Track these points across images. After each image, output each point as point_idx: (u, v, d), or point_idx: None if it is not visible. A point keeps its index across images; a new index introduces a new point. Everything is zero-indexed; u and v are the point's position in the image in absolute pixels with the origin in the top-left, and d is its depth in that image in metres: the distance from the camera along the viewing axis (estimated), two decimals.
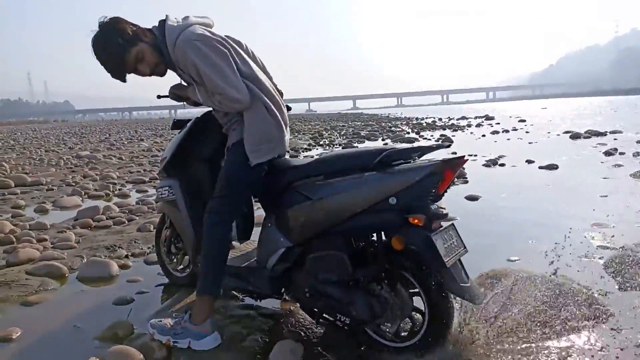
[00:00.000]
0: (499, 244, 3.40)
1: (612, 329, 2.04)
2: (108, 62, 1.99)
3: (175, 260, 2.83)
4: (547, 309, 2.05)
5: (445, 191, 1.92)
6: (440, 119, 26.21)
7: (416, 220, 1.76)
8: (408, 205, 1.79)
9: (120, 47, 1.95)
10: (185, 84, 2.16)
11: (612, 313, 2.15)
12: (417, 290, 1.88)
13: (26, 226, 4.30)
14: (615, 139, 10.60)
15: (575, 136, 11.78)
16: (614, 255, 2.87)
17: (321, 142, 13.61)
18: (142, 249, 3.56)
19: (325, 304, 1.98)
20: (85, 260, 3.30)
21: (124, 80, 2.07)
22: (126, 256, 3.41)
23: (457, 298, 1.85)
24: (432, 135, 14.55)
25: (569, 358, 1.81)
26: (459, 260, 1.88)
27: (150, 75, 2.08)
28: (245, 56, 2.07)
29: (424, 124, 21.58)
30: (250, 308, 2.44)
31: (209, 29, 2.04)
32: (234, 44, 2.06)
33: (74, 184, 7.13)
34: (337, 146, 12.32)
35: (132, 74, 2.08)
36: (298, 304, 2.28)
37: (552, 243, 2.78)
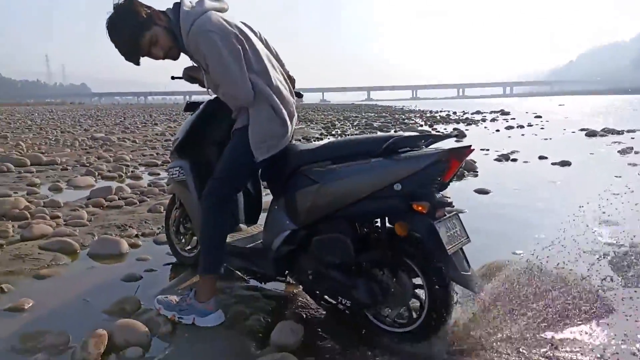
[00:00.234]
0: (505, 238, 3.40)
1: (612, 324, 2.04)
2: (122, 45, 2.01)
3: (183, 240, 2.88)
4: (546, 302, 2.05)
5: (451, 180, 1.93)
6: (454, 113, 25.97)
7: (420, 208, 1.78)
8: (413, 192, 1.80)
9: (134, 30, 1.97)
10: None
11: (613, 309, 2.16)
12: (418, 277, 1.91)
13: (40, 203, 4.41)
14: (632, 138, 10.42)
15: (591, 134, 11.60)
16: (621, 252, 2.86)
17: (333, 132, 13.60)
18: (152, 229, 3.63)
19: (327, 287, 2.02)
20: (97, 237, 3.37)
21: (137, 63, 2.09)
22: (136, 235, 3.49)
23: (458, 286, 1.87)
24: (445, 129, 14.45)
25: (565, 350, 1.83)
26: (461, 249, 1.89)
27: (163, 58, 2.10)
28: (258, 47, 2.07)
29: (438, 117, 21.42)
30: (255, 289, 2.49)
31: (224, 17, 2.03)
32: (248, 33, 2.06)
33: (88, 165, 7.25)
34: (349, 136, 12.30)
35: (146, 57, 2.11)
36: (301, 287, 2.33)
37: (559, 238, 2.77)
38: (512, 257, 2.76)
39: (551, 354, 1.80)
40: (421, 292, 1.91)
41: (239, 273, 2.62)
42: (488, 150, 8.53)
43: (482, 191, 5.00)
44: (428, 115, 24.23)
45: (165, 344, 1.95)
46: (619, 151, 8.10)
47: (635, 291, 2.40)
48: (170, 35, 2.02)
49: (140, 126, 17.24)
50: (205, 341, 1.97)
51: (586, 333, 1.96)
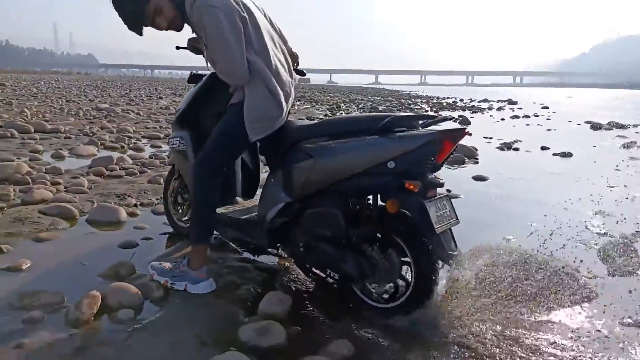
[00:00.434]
0: (497, 223, 3.44)
1: (594, 309, 2.09)
2: (126, 14, 2.02)
3: (181, 210, 2.93)
4: (531, 285, 2.10)
5: (444, 162, 1.96)
6: (461, 100, 25.78)
7: (412, 186, 1.81)
8: (405, 170, 1.83)
9: (139, 0, 1.97)
10: None
11: (596, 295, 2.20)
12: (406, 254, 1.95)
13: (42, 169, 4.46)
14: (637, 132, 10.38)
15: (596, 127, 11.54)
16: (610, 243, 2.90)
17: (338, 114, 13.55)
18: (150, 199, 3.68)
19: (317, 260, 2.07)
20: (96, 205, 3.43)
21: (140, 34, 2.10)
22: (135, 205, 3.54)
23: (444, 265, 1.91)
24: (450, 115, 14.37)
25: (545, 333, 1.88)
26: (450, 229, 1.93)
27: (167, 29, 2.10)
28: (261, 25, 2.06)
29: (444, 104, 21.29)
30: (248, 261, 2.54)
31: None
32: (252, 10, 2.04)
33: (91, 135, 7.28)
34: None
35: (149, 28, 2.11)
36: (293, 260, 2.38)
37: (551, 227, 2.82)
38: (502, 242, 2.79)
39: (530, 335, 1.85)
40: (408, 269, 1.96)
41: (233, 245, 2.67)
42: (491, 138, 8.52)
43: (480, 178, 5.03)
44: (435, 101, 24.08)
45: (157, 307, 2.01)
46: (622, 145, 8.07)
47: (618, 280, 2.45)
48: (174, 6, 2.02)
49: (145, 99, 17.22)
50: (196, 307, 2.03)
51: (566, 316, 2.01)
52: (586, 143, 8.37)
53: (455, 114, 14.73)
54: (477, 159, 6.20)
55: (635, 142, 8.16)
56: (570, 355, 1.73)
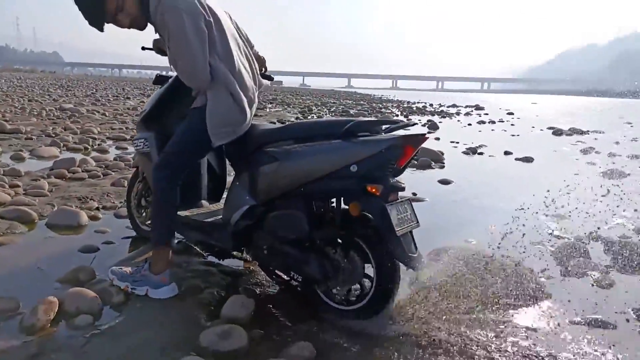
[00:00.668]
0: (459, 226, 3.53)
1: (548, 309, 2.18)
2: (87, 9, 1.97)
3: (144, 214, 2.89)
4: (489, 287, 2.18)
5: (406, 166, 2.00)
6: (431, 105, 26.26)
7: (374, 189, 1.85)
8: (368, 174, 1.87)
9: None
10: None
11: (549, 295, 2.30)
12: (368, 256, 1.98)
13: (0, 172, 4.30)
14: (595, 139, 10.81)
15: (557, 132, 11.97)
16: (565, 244, 3.02)
17: (309, 117, 13.57)
18: (113, 202, 3.61)
19: (281, 262, 2.09)
20: (56, 208, 3.33)
21: (101, 30, 2.05)
22: (97, 208, 3.46)
23: (405, 267, 1.96)
24: (419, 120, 14.62)
25: (502, 332, 1.94)
26: (410, 232, 1.97)
27: (129, 27, 2.07)
28: (226, 29, 2.05)
29: (414, 108, 21.62)
30: (212, 265, 2.53)
31: None
32: (217, 13, 2.03)
33: (53, 135, 7.06)
34: None
35: (111, 25, 2.07)
36: (257, 264, 2.38)
37: (510, 229, 2.91)
38: (463, 244, 2.88)
39: (488, 334, 1.91)
40: (371, 272, 1.99)
41: (198, 248, 2.65)
42: (458, 143, 8.72)
43: (445, 182, 5.14)
44: (405, 105, 24.44)
45: (117, 313, 1.98)
46: (581, 150, 8.41)
47: (570, 280, 2.56)
48: (138, 4, 1.98)
49: (111, 99, 16.80)
50: (157, 312, 2.00)
51: (522, 315, 2.09)
52: (547, 148, 8.68)
53: (425, 119, 15.01)
54: (443, 163, 6.35)
55: (594, 148, 8.51)
56: (524, 353, 1.80)
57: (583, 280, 2.57)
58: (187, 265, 2.50)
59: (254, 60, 2.25)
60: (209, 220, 2.36)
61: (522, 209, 3.87)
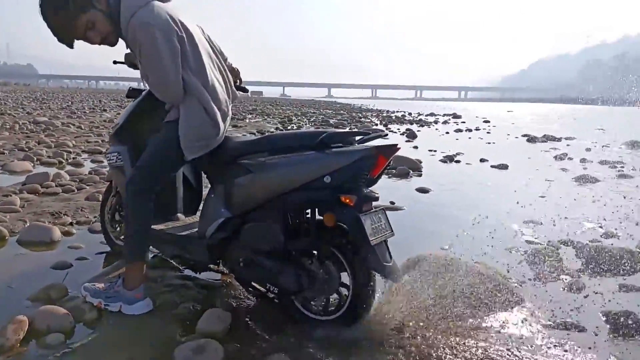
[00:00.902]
0: (435, 233, 3.58)
1: (521, 314, 2.23)
2: (56, 26, 1.93)
3: (119, 228, 2.85)
4: (462, 293, 2.21)
5: (380, 176, 2.03)
6: (409, 114, 26.61)
7: (347, 200, 1.87)
8: (341, 185, 1.89)
9: (70, 12, 1.89)
10: None
11: (522, 300, 2.34)
12: (344, 266, 2.00)
13: None
14: (568, 145, 11.11)
15: (531, 140, 12.26)
16: (537, 250, 3.09)
17: (289, 127, 13.61)
18: (87, 217, 3.54)
19: (257, 274, 2.08)
20: (28, 224, 3.26)
21: (71, 47, 2.02)
22: (70, 223, 3.39)
23: (380, 276, 1.98)
24: (398, 129, 14.80)
25: (476, 337, 1.97)
26: (385, 242, 1.99)
27: (100, 44, 2.04)
28: (199, 44, 2.04)
29: (394, 117, 21.89)
30: (188, 279, 2.51)
31: (167, 9, 1.97)
32: (190, 29, 2.02)
33: (27, 150, 6.91)
34: None
35: (81, 41, 2.05)
36: (234, 276, 2.37)
37: (485, 236, 2.97)
38: (438, 252, 2.91)
39: (464, 340, 1.94)
40: (347, 281, 2.00)
41: (174, 262, 2.63)
42: (435, 151, 8.85)
43: (422, 190, 5.21)
44: (384, 114, 24.71)
45: (90, 330, 1.94)
46: (554, 157, 8.63)
47: (542, 284, 2.62)
48: (108, 21, 1.96)
49: (87, 111, 16.56)
50: (131, 328, 1.97)
51: (495, 320, 2.13)
52: (522, 155, 8.88)
53: (403, 127, 15.20)
54: (421, 171, 6.43)
55: (567, 154, 8.74)
56: (499, 358, 1.83)
57: (555, 285, 2.63)
58: (163, 280, 2.47)
59: (228, 72, 2.26)
60: (184, 233, 2.35)
61: (497, 215, 3.95)
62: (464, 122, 19.94)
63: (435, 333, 1.97)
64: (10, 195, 4.01)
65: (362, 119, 19.11)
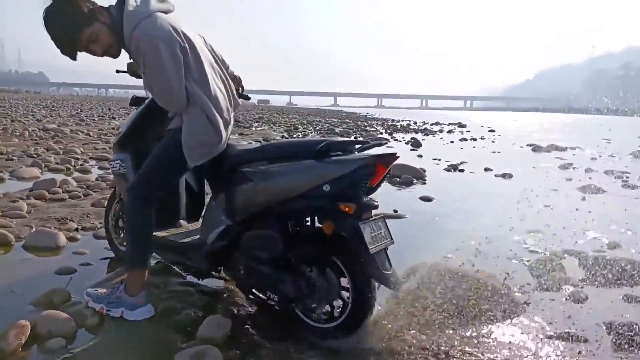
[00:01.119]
0: (438, 242, 3.57)
1: (522, 323, 2.22)
2: (59, 39, 1.95)
3: (122, 234, 2.87)
4: (465, 301, 2.21)
5: (379, 185, 2.04)
6: (415, 123, 26.61)
7: (347, 208, 1.89)
8: (340, 193, 1.90)
9: (74, 25, 1.91)
10: None
11: (524, 309, 2.34)
12: (344, 274, 2.01)
13: None
14: (573, 155, 11.06)
15: (536, 149, 12.22)
16: (541, 259, 3.08)
17: (294, 136, 13.67)
18: (93, 223, 3.58)
19: (257, 281, 2.09)
20: (34, 229, 3.30)
21: (74, 58, 2.03)
22: (76, 229, 3.43)
23: (379, 285, 1.98)
24: (403, 137, 14.81)
25: (480, 346, 1.97)
26: (385, 250, 2.00)
27: (102, 55, 2.04)
28: (202, 54, 2.06)
29: (399, 126, 21.91)
30: (190, 285, 2.52)
31: (170, 20, 1.99)
32: (192, 39, 2.04)
33: (35, 156, 6.99)
34: None
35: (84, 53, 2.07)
36: (235, 284, 2.38)
37: (487, 245, 2.97)
38: (440, 260, 2.91)
39: (465, 349, 1.94)
40: (346, 289, 2.01)
41: (177, 268, 2.65)
42: (439, 160, 8.85)
43: (426, 198, 5.21)
44: (389, 123, 24.75)
45: (91, 336, 1.96)
46: (559, 166, 8.60)
47: (545, 294, 2.60)
48: (111, 33, 1.97)
49: (96, 119, 16.73)
50: (132, 334, 1.99)
51: (498, 329, 2.12)
52: (527, 165, 8.84)
53: (408, 136, 15.21)
54: (425, 180, 6.43)
55: (572, 164, 8.70)
56: None
57: (558, 295, 2.62)
58: (165, 286, 2.49)
59: (229, 81, 2.29)
60: (186, 240, 2.37)
61: (500, 224, 3.94)
62: (469, 131, 19.91)
63: (437, 342, 1.97)
64: (18, 201, 4.06)
65: (368, 128, 19.15)
